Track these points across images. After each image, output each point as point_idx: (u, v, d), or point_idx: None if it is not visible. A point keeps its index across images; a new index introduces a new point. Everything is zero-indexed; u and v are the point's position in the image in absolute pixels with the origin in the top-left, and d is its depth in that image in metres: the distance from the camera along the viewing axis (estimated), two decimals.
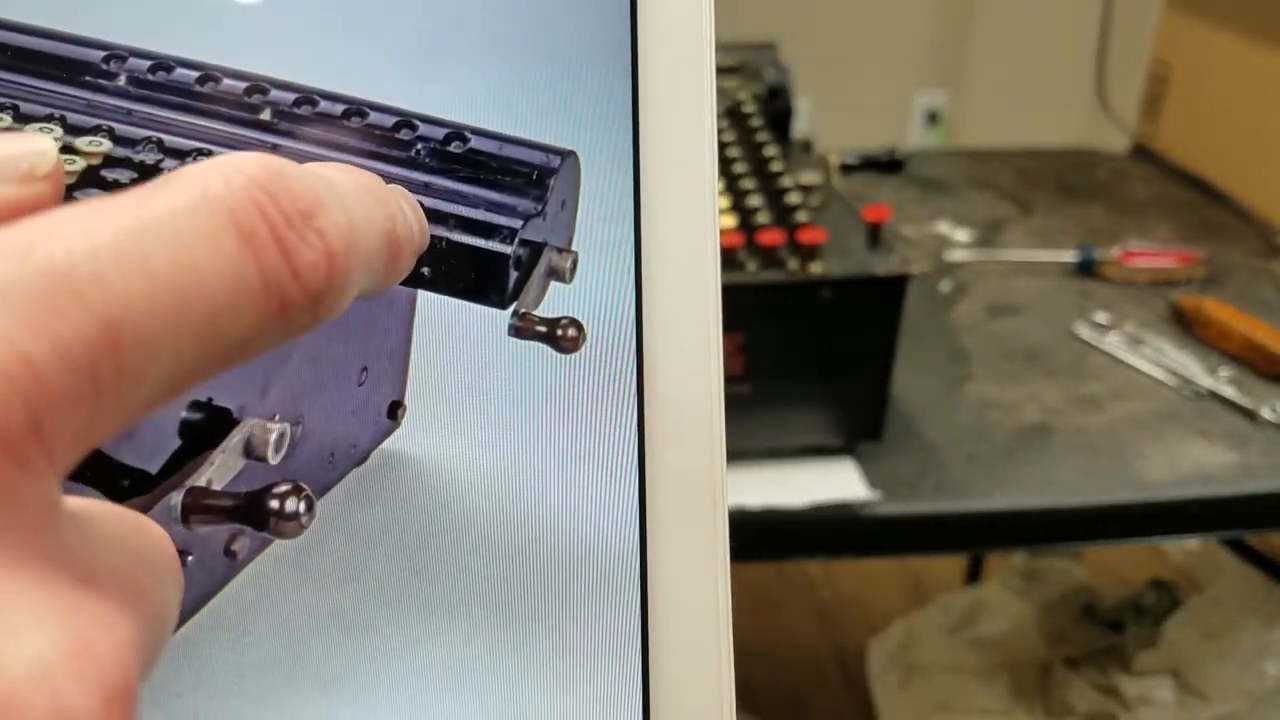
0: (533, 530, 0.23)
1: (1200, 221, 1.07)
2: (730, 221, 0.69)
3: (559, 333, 0.26)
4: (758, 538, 0.69)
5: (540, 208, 0.25)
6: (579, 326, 0.26)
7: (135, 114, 0.28)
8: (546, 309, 0.27)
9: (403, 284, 0.27)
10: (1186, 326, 0.87)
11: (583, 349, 0.25)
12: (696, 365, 0.23)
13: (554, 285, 0.27)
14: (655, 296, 0.23)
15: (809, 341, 0.68)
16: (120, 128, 0.27)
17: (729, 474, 0.23)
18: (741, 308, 0.66)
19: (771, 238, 0.66)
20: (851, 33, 1.88)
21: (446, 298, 0.27)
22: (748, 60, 0.94)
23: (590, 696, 0.22)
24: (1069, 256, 0.97)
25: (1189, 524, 0.74)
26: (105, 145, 0.27)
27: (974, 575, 1.39)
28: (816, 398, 0.70)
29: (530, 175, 0.27)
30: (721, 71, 0.92)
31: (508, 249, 0.27)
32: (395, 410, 0.30)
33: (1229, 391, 0.79)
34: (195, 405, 0.25)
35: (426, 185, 0.27)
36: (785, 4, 1.82)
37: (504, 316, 0.27)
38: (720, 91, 0.87)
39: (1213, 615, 1.12)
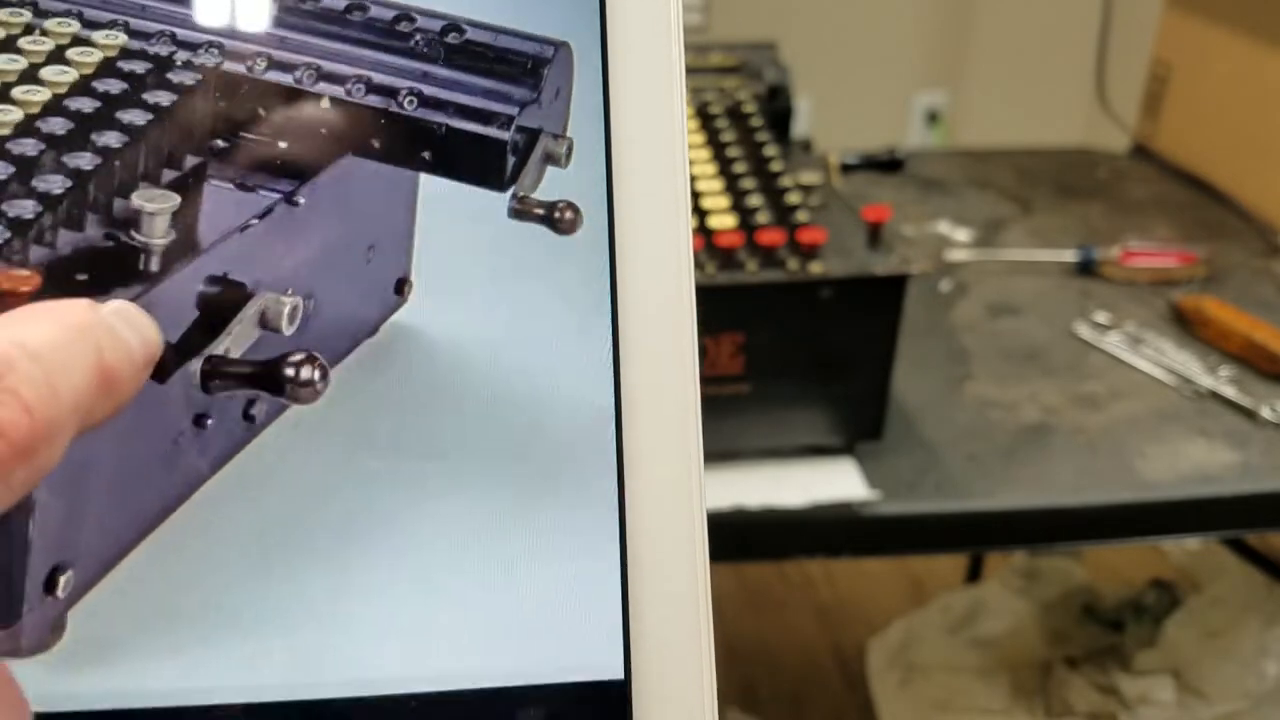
0: (529, 395, 0.24)
1: (1200, 221, 1.07)
2: (730, 221, 0.69)
3: (556, 214, 0.27)
4: (758, 537, 0.69)
5: (536, 95, 0.26)
6: (575, 209, 0.27)
7: (149, 9, 0.29)
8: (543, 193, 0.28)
9: (405, 167, 0.29)
10: (1186, 326, 0.87)
11: (578, 231, 0.26)
12: (667, 253, 0.24)
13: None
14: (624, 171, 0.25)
15: (809, 341, 0.68)
16: (136, 22, 0.29)
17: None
18: (741, 307, 0.66)
19: (771, 237, 0.66)
20: (851, 33, 1.88)
21: (448, 181, 0.29)
22: (748, 60, 0.94)
23: (576, 551, 0.23)
24: (1069, 256, 0.97)
25: (1189, 524, 0.74)
26: (121, 39, 0.28)
27: (974, 575, 1.39)
28: (816, 397, 0.70)
29: (525, 64, 0.28)
30: (721, 71, 0.92)
31: (505, 135, 0.28)
32: (402, 286, 0.32)
33: (1229, 391, 0.79)
34: (212, 279, 0.27)
35: (425, 74, 0.29)
36: (785, 4, 1.82)
37: (503, 199, 0.28)
38: (720, 91, 0.87)
39: (1213, 615, 1.12)
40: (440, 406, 0.26)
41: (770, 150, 0.78)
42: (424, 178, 0.30)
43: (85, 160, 0.26)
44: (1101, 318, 0.89)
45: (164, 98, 0.27)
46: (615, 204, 0.24)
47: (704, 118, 0.82)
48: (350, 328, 0.31)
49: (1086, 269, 0.96)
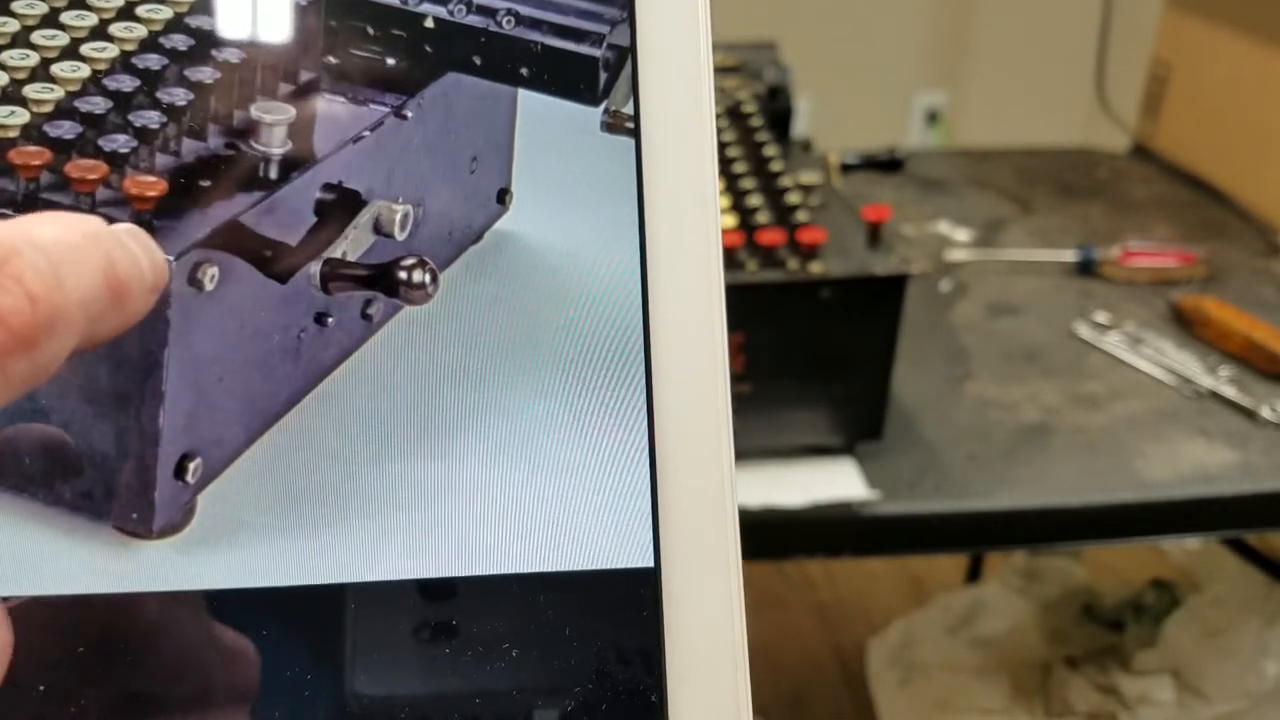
0: (623, 299, 0.26)
1: (1200, 221, 1.07)
2: (730, 221, 0.69)
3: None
4: (758, 537, 0.69)
5: (625, 15, 0.27)
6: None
7: None
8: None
9: (503, 83, 0.31)
10: (1186, 326, 0.88)
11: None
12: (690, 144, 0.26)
13: None
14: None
15: (809, 341, 0.68)
16: None
17: None
18: (741, 307, 0.66)
19: (771, 237, 0.66)
20: (851, 33, 1.88)
21: (544, 96, 0.31)
22: (748, 60, 0.94)
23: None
24: (1069, 256, 0.97)
25: (1189, 524, 0.74)
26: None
27: (974, 575, 1.39)
28: (816, 397, 0.70)
29: None
30: (721, 71, 0.92)
31: (597, 52, 0.30)
32: (503, 196, 0.33)
33: (1229, 391, 0.80)
34: (328, 187, 0.28)
35: None
36: (785, 4, 1.82)
37: (596, 113, 0.29)
38: (720, 91, 0.87)
39: (1213, 615, 1.12)
40: (535, 309, 0.28)
41: (770, 150, 0.78)
42: (522, 93, 0.31)
43: (206, 74, 0.28)
44: (1101, 318, 0.89)
45: (279, 15, 0.29)
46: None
47: None
48: (457, 234, 0.32)
49: (1086, 269, 0.96)
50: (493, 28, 0.31)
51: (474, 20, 0.31)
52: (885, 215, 0.70)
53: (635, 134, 0.26)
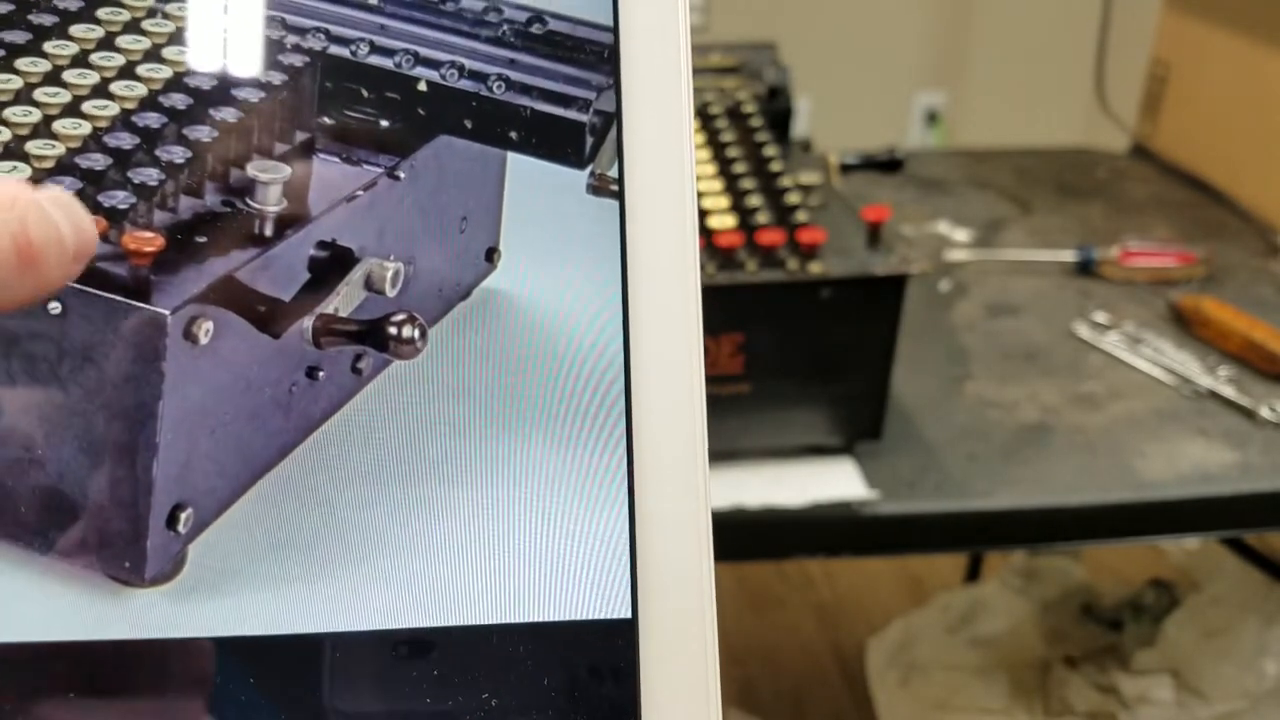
0: (605, 355, 0.26)
1: (1199, 221, 1.07)
2: (730, 221, 0.69)
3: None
4: (757, 537, 0.69)
5: (612, 81, 0.27)
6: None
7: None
8: None
9: (493, 146, 0.33)
10: (1186, 326, 0.88)
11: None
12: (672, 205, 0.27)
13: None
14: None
15: (809, 341, 0.68)
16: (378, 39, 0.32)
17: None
18: (741, 307, 0.66)
19: (771, 237, 0.66)
20: (851, 33, 1.88)
21: (532, 159, 0.32)
22: (748, 60, 0.94)
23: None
24: (1068, 256, 0.97)
25: (1188, 523, 0.74)
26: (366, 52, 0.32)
27: (973, 574, 1.39)
28: (816, 397, 0.70)
29: (602, 53, 0.30)
30: (721, 71, 0.92)
31: (584, 117, 0.31)
32: (491, 254, 0.34)
33: (1228, 391, 0.80)
34: (322, 244, 0.29)
35: (512, 61, 0.32)
36: (785, 4, 1.82)
37: (582, 176, 0.30)
38: (720, 91, 0.87)
39: (1212, 614, 1.12)
40: (521, 364, 0.29)
41: (770, 150, 0.78)
42: (511, 155, 0.32)
43: (204, 133, 0.29)
44: (1101, 317, 0.89)
45: (275, 77, 0.30)
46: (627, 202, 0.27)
47: (704, 118, 0.82)
48: (446, 291, 0.33)
49: (1086, 269, 0.96)
50: (484, 92, 0.32)
51: (466, 85, 0.32)
52: (885, 215, 0.70)
53: (619, 196, 0.26)
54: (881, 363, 0.69)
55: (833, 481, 0.70)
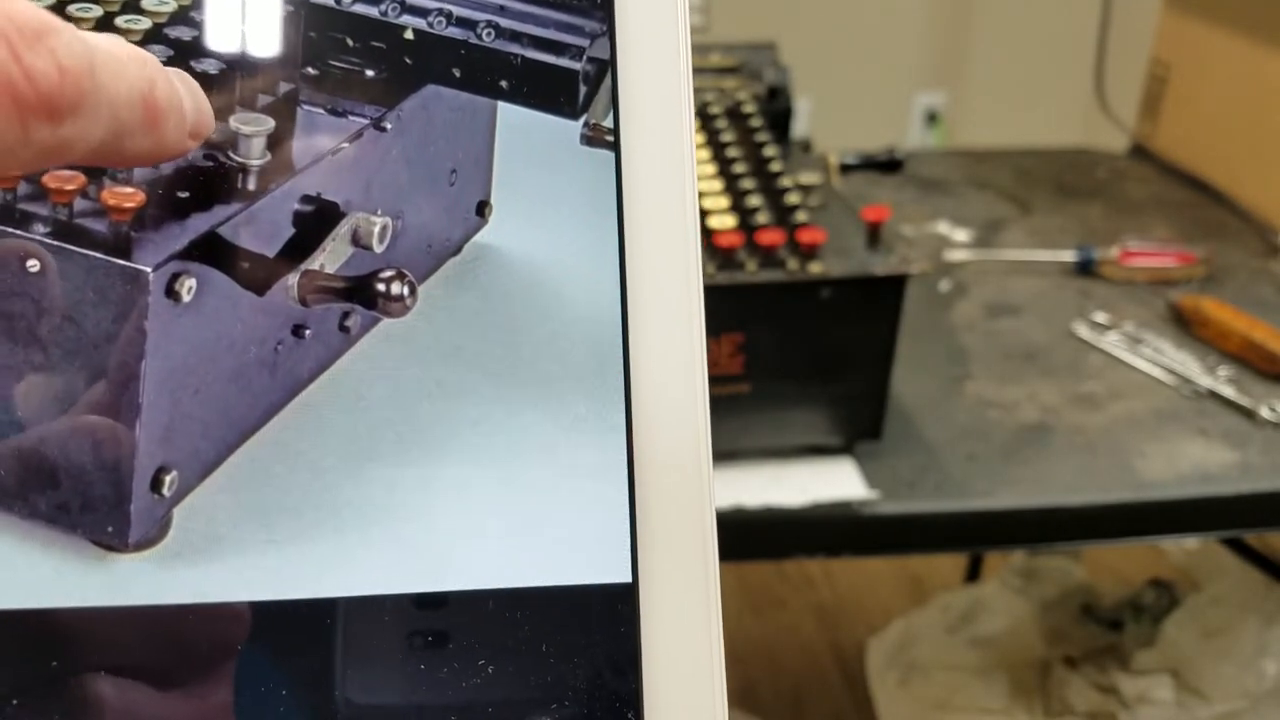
0: (602, 313, 0.26)
1: (1199, 221, 1.07)
2: (730, 221, 0.69)
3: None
4: (757, 537, 0.69)
5: (605, 28, 0.27)
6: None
7: None
8: None
9: (483, 96, 0.31)
10: (1185, 326, 0.88)
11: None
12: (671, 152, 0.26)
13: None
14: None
15: (809, 341, 0.68)
16: None
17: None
18: (741, 307, 0.66)
19: (771, 237, 0.66)
20: (851, 33, 1.88)
21: (524, 109, 0.31)
22: (748, 60, 0.94)
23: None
24: (1068, 256, 0.97)
25: (1188, 523, 0.74)
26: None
27: (973, 574, 1.39)
28: (816, 397, 0.70)
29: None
30: (721, 71, 0.92)
31: (577, 65, 0.30)
32: (483, 208, 0.33)
33: (1228, 391, 0.80)
34: (306, 199, 0.28)
35: (502, 8, 0.31)
36: (785, 4, 1.82)
37: (576, 127, 0.29)
38: (720, 91, 0.87)
39: (1212, 614, 1.12)
40: (515, 322, 0.28)
41: (770, 150, 0.78)
42: (502, 105, 0.31)
43: None
44: (1100, 318, 0.89)
45: (259, 27, 0.29)
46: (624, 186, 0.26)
47: (704, 118, 0.82)
48: (436, 247, 0.33)
49: (1085, 269, 0.96)
50: (473, 40, 0.31)
51: (454, 33, 0.31)
52: (885, 215, 0.70)
53: (615, 147, 0.26)
54: (881, 363, 0.69)
55: (833, 481, 0.70)
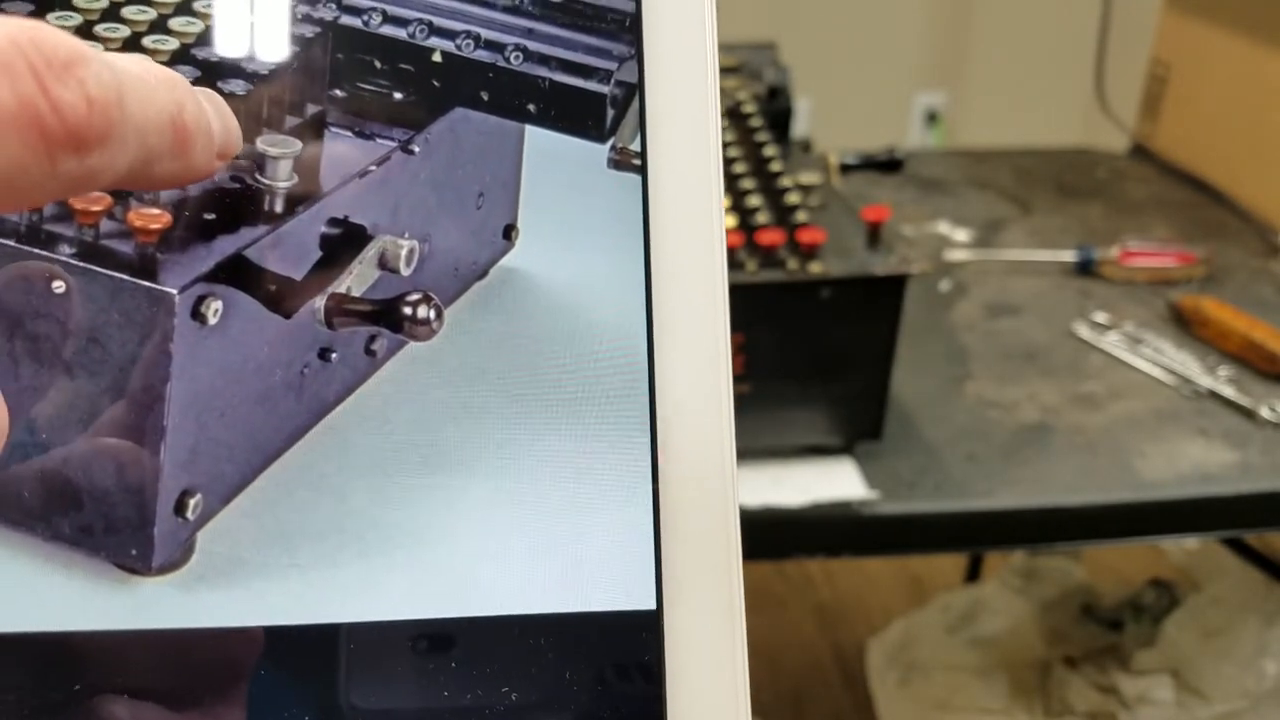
0: (628, 337, 0.25)
1: (1199, 221, 1.07)
2: (730, 221, 0.69)
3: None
4: (757, 537, 0.69)
5: (633, 51, 0.26)
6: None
7: None
8: None
9: (511, 119, 0.31)
10: (1185, 326, 0.88)
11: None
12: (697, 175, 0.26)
13: None
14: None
15: (809, 341, 0.68)
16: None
17: None
18: (741, 307, 0.66)
19: (771, 237, 0.66)
20: (851, 33, 1.88)
21: (551, 133, 0.30)
22: (748, 60, 0.94)
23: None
24: (1068, 256, 0.97)
25: (1188, 523, 0.74)
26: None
27: (973, 574, 1.39)
28: (816, 397, 0.70)
29: (624, 22, 0.29)
30: (721, 71, 0.92)
31: (605, 88, 0.30)
32: (509, 232, 0.33)
33: (1228, 391, 0.80)
34: (334, 222, 0.28)
35: (530, 31, 0.30)
36: (785, 4, 1.82)
37: (603, 150, 0.29)
38: (720, 91, 0.87)
39: (1212, 614, 1.12)
40: (540, 346, 0.28)
41: (770, 150, 0.78)
42: (529, 129, 0.31)
43: None
44: (1100, 318, 0.89)
45: (287, 49, 0.29)
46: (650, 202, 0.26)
47: None
48: (462, 270, 0.32)
49: (1085, 269, 0.96)
50: (500, 63, 0.30)
51: (482, 55, 0.30)
52: (885, 215, 0.70)
53: (642, 171, 0.26)
54: (881, 363, 0.69)
55: (833, 481, 0.70)
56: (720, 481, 0.24)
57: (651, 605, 0.24)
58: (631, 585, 0.24)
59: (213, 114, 0.21)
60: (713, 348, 0.25)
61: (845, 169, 0.90)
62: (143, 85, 0.20)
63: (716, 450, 0.25)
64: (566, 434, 0.26)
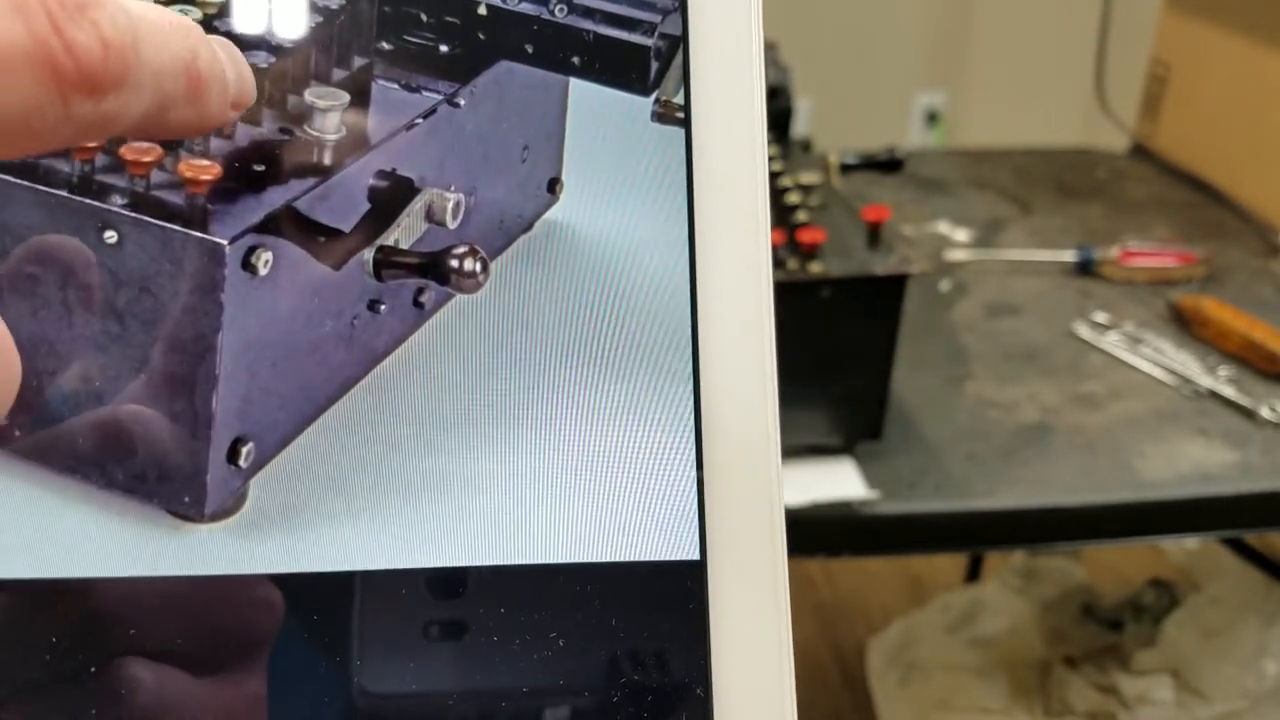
0: (672, 290, 0.26)
1: (1199, 221, 1.07)
2: None
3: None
4: None
5: (677, 4, 0.26)
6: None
7: None
8: None
9: (555, 72, 0.31)
10: (1185, 326, 0.88)
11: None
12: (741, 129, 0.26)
13: None
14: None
15: (809, 341, 0.68)
16: None
17: None
18: None
19: (771, 237, 0.66)
20: (851, 33, 1.88)
21: (595, 86, 0.31)
22: None
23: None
24: (1068, 256, 0.97)
25: (1188, 523, 0.74)
26: None
27: (973, 574, 1.39)
28: (816, 397, 0.70)
29: None
30: None
31: (649, 41, 0.30)
32: (554, 185, 0.33)
33: (1228, 391, 0.80)
34: (381, 174, 0.28)
35: None
36: (785, 4, 1.82)
37: (646, 103, 0.29)
38: None
39: (1212, 614, 1.12)
40: (585, 299, 0.28)
41: (770, 150, 0.78)
42: (573, 82, 0.31)
43: (260, 58, 0.27)
44: (1100, 318, 0.89)
45: (333, 1, 0.29)
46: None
47: None
48: (508, 223, 0.32)
49: (1085, 269, 0.96)
50: (545, 15, 0.30)
51: (527, 8, 0.30)
52: (885, 215, 0.70)
53: (686, 124, 0.26)
54: (881, 363, 0.69)
55: (833, 481, 0.70)
56: (763, 433, 0.25)
57: (696, 555, 0.24)
58: (675, 536, 0.24)
59: (227, 62, 0.21)
60: (755, 301, 0.25)
61: (845, 169, 0.90)
62: (157, 30, 0.19)
63: (759, 402, 0.25)
64: (610, 386, 0.26)
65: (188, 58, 0.20)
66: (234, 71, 0.21)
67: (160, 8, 0.20)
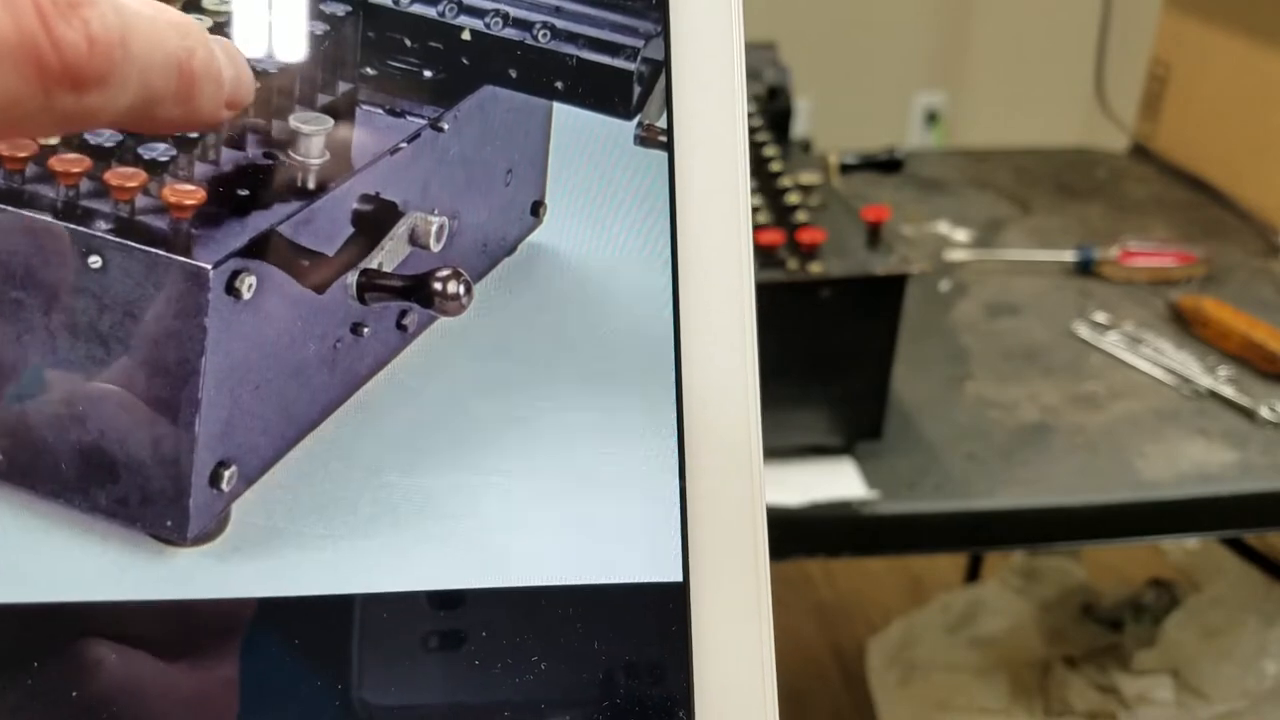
0: (654, 312, 0.26)
1: (1199, 221, 1.07)
2: None
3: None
4: None
5: (660, 29, 0.27)
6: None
7: None
8: None
9: (538, 96, 0.32)
10: (1185, 326, 0.88)
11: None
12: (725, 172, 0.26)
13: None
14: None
15: (809, 341, 0.68)
16: None
17: None
18: None
19: (771, 237, 0.66)
20: (851, 33, 1.88)
21: (579, 110, 0.31)
22: (748, 60, 0.94)
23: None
24: (1068, 256, 0.97)
25: (1188, 523, 0.74)
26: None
27: (973, 574, 1.39)
28: (816, 397, 0.70)
29: (651, 0, 0.29)
30: None
31: (631, 65, 0.30)
32: (537, 208, 0.34)
33: (1228, 391, 0.80)
34: (365, 198, 0.28)
35: (558, 9, 0.31)
36: (785, 4, 1.82)
37: (629, 127, 0.30)
38: None
39: (1212, 614, 1.12)
40: (568, 322, 0.29)
41: (770, 150, 0.78)
42: (557, 106, 0.32)
43: None
44: (1100, 318, 0.89)
45: (317, 27, 0.29)
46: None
47: None
48: (491, 246, 0.33)
49: (1085, 269, 0.96)
50: (529, 41, 0.31)
51: (510, 33, 0.31)
52: (885, 215, 0.70)
53: (668, 148, 0.26)
54: (881, 363, 0.69)
55: (833, 481, 0.70)
56: (746, 455, 0.25)
57: (678, 577, 0.24)
58: (658, 557, 0.24)
59: (225, 62, 0.21)
60: (739, 321, 0.26)
61: (845, 169, 0.90)
62: (151, 28, 0.20)
63: (742, 424, 0.25)
64: (593, 408, 0.26)
65: (181, 56, 0.20)
66: (231, 71, 0.22)
67: (163, 6, 0.20)
